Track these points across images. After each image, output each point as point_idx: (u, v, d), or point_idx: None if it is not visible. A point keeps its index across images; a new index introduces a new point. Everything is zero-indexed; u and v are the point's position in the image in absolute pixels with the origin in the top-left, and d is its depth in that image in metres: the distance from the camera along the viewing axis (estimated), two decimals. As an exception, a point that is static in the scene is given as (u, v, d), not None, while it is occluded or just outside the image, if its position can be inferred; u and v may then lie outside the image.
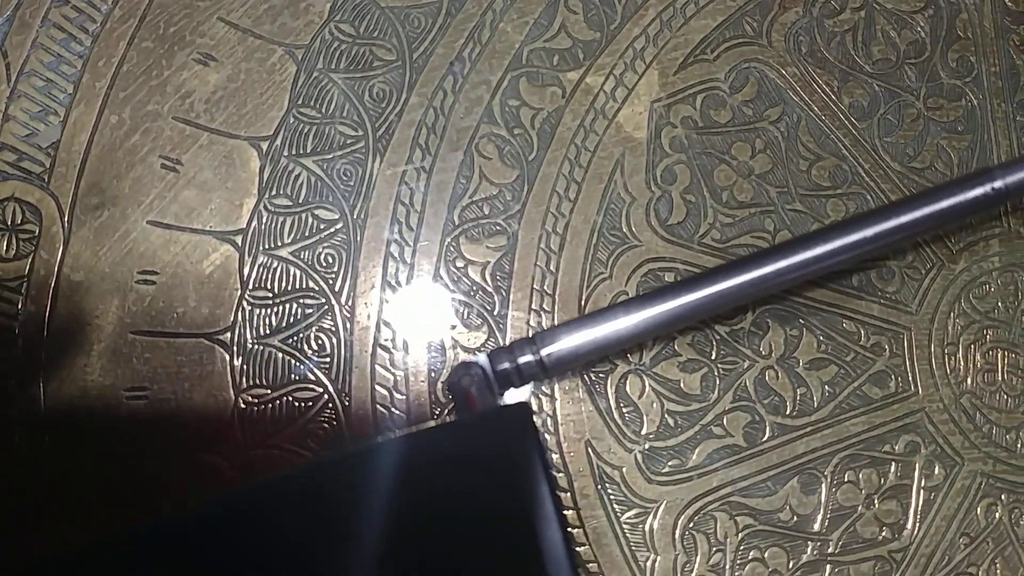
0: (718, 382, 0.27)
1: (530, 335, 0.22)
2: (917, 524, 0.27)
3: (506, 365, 0.20)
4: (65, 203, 0.26)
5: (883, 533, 0.27)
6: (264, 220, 0.27)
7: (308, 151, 0.27)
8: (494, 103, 0.28)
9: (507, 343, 0.26)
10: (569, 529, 0.18)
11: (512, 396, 0.25)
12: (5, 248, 0.26)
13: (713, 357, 0.27)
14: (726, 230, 0.28)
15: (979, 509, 0.27)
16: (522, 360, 0.20)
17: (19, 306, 0.26)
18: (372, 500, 0.18)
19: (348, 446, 0.24)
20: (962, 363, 0.28)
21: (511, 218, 0.27)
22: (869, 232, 0.25)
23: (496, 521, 0.18)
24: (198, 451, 0.25)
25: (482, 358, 0.20)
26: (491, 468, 0.18)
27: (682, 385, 0.27)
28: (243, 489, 0.19)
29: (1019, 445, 0.28)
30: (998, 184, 0.24)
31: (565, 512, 0.19)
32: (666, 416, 0.27)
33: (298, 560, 0.18)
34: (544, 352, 0.20)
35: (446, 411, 0.25)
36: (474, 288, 0.27)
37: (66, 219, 0.26)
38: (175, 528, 0.19)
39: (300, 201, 0.27)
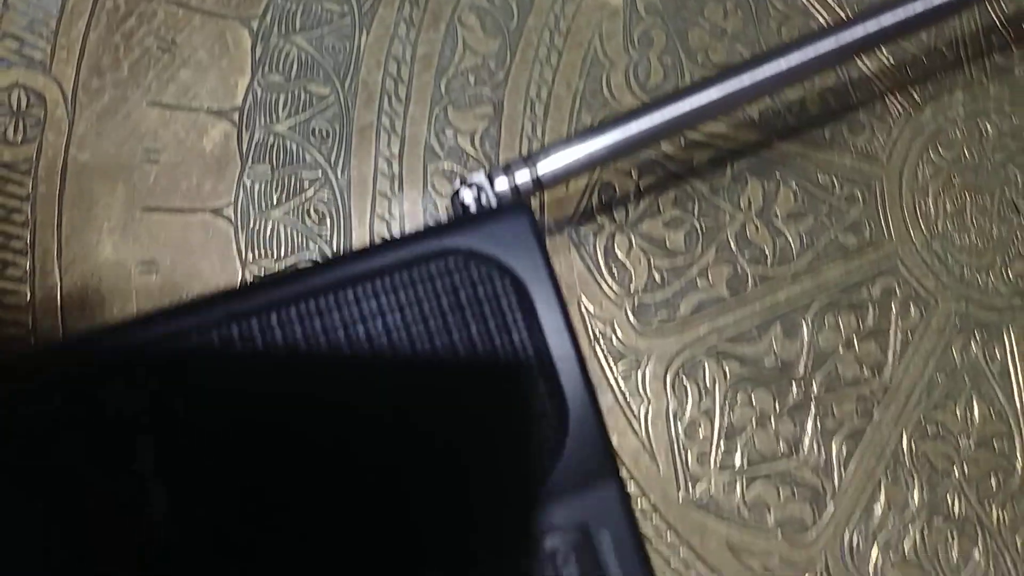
0: (701, 237, 0.28)
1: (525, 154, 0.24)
2: (896, 363, 0.28)
3: (504, 185, 0.21)
4: (68, 88, 0.27)
5: (864, 373, 0.28)
6: (259, 97, 0.28)
7: (297, 28, 0.28)
8: (476, -20, 0.29)
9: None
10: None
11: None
12: (12, 133, 0.27)
13: (695, 213, 0.28)
14: (704, 91, 0.29)
15: (954, 347, 0.28)
16: (519, 178, 0.21)
17: (30, 188, 0.27)
18: (369, 300, 0.19)
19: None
20: (932, 209, 0.29)
21: (496, 87, 0.28)
22: (844, 35, 0.23)
23: (499, 320, 0.19)
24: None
25: (479, 176, 0.22)
26: (494, 264, 0.19)
27: (667, 242, 0.28)
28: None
29: (990, 285, 0.29)
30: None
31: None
32: (653, 271, 0.28)
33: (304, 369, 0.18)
34: (540, 167, 0.21)
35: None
36: (463, 156, 0.28)
37: (69, 103, 0.27)
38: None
39: (292, 77, 0.28)
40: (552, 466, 0.19)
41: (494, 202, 0.21)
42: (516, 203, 0.20)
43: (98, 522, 0.17)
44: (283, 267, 0.27)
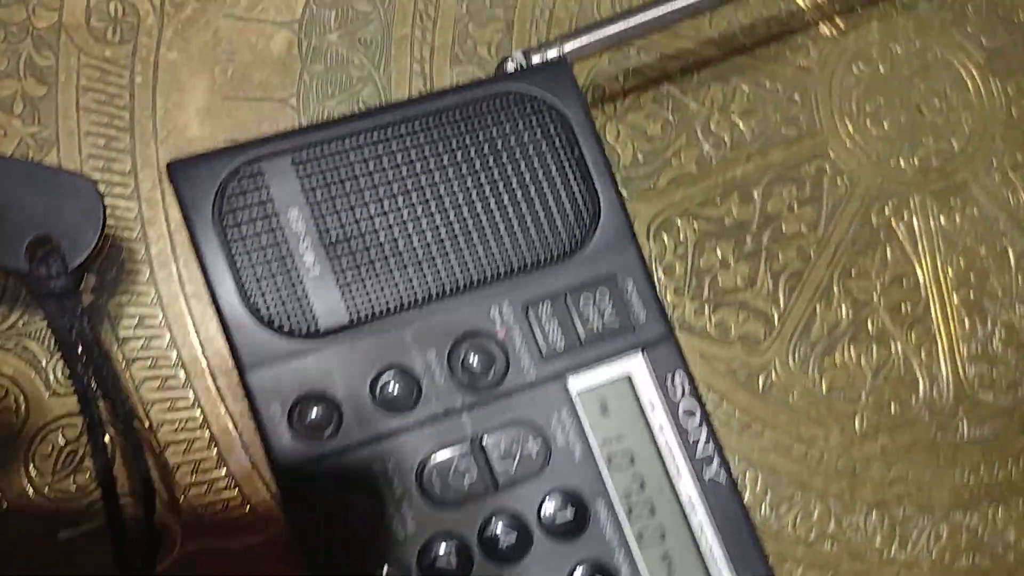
0: (673, 127, 0.35)
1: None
2: (827, 223, 0.36)
3: (539, 59, 0.28)
4: (156, 1, 0.33)
5: (802, 230, 0.35)
6: (314, 11, 0.34)
7: (349, -44, 0.35)
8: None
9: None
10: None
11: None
12: (111, 34, 0.33)
13: (669, 109, 0.35)
14: None
15: (872, 211, 0.36)
16: (550, 52, 0.28)
17: (127, 79, 0.32)
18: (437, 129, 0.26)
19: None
20: (855, 108, 0.37)
21: (508, 8, 0.35)
22: None
23: (548, 141, 0.26)
24: (280, 180, 0.32)
25: (518, 53, 0.28)
26: (541, 101, 0.26)
27: (647, 131, 0.35)
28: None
29: (900, 165, 0.37)
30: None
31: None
32: (637, 153, 0.35)
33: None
34: (567, 45, 0.28)
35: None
36: (482, 61, 0.35)
37: (158, 13, 0.33)
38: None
39: (344, -5, 0.34)
40: (590, 237, 0.26)
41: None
42: (557, 60, 0.27)
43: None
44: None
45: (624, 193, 0.34)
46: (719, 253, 0.35)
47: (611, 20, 0.29)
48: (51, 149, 0.31)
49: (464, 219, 0.25)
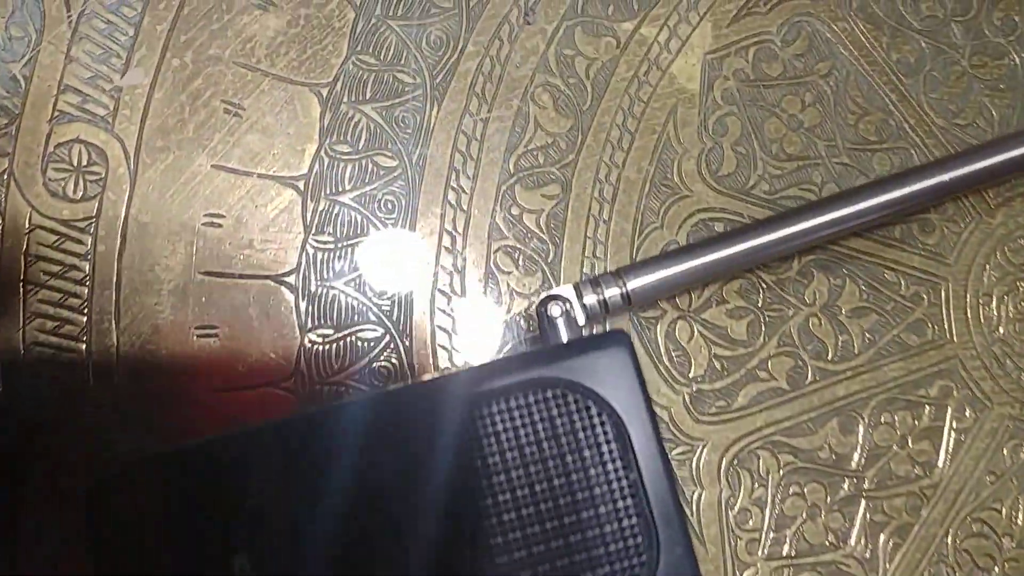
0: (763, 328, 0.28)
1: (614, 270, 0.23)
2: (947, 463, 0.28)
3: (593, 298, 0.21)
4: (130, 145, 0.27)
5: (915, 471, 0.28)
6: (325, 166, 0.27)
7: (367, 98, 0.27)
8: (549, 52, 0.28)
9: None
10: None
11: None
12: (73, 189, 0.26)
13: (759, 305, 0.28)
14: (775, 182, 0.28)
15: (1005, 450, 0.29)
16: (608, 293, 0.21)
17: (89, 246, 0.26)
18: (458, 427, 0.19)
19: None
20: (995, 313, 0.29)
21: (565, 167, 0.28)
22: (913, 188, 0.26)
23: (595, 453, 0.19)
24: (267, 385, 0.26)
25: (567, 289, 0.21)
26: (592, 395, 0.19)
27: (729, 331, 0.28)
28: (314, 411, 0.20)
29: (1046, 390, 0.29)
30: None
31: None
32: (713, 360, 0.28)
33: (369, 484, 0.19)
34: (630, 285, 0.21)
35: (522, 340, 0.26)
36: (528, 235, 0.28)
37: (132, 161, 0.27)
38: (248, 439, 0.20)
39: (360, 148, 0.27)
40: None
41: (581, 319, 0.21)
42: (616, 332, 0.20)
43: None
44: (342, 336, 0.27)
45: (693, 411, 0.28)
46: (808, 496, 0.28)
47: (712, 243, 0.22)
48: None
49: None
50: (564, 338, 0.20)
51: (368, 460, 0.19)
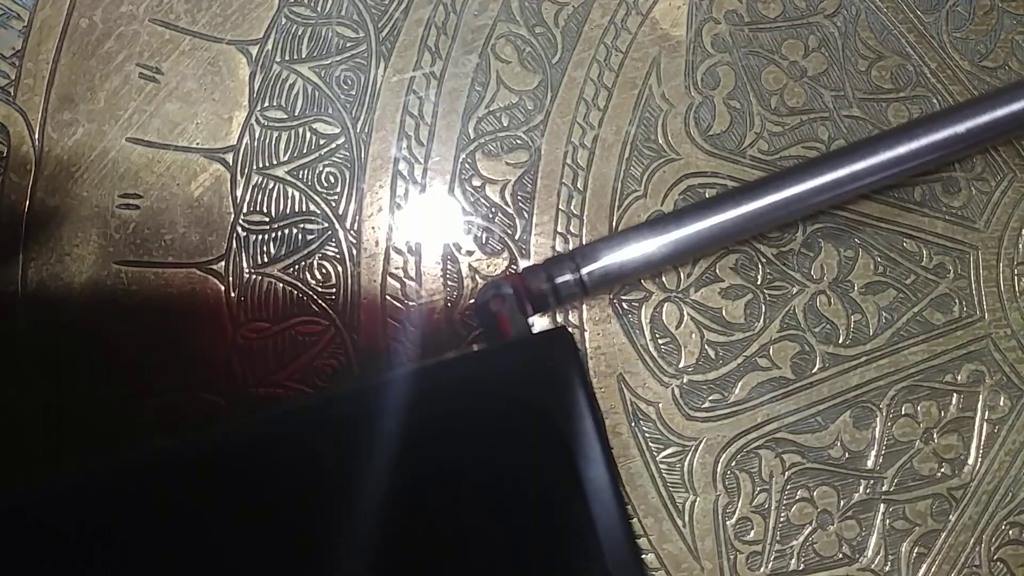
0: (764, 309, 0.25)
1: (568, 251, 0.20)
2: (979, 459, 0.25)
3: (543, 285, 0.18)
4: (34, 119, 0.24)
5: (942, 469, 0.25)
6: (256, 135, 0.24)
7: (303, 56, 0.24)
8: (512, -1, 0.25)
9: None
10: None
11: (541, 322, 0.23)
12: (-30, 169, 0.23)
13: (759, 282, 0.25)
14: (774, 140, 0.25)
15: (1047, 444, 0.25)
16: (560, 279, 0.18)
17: (-11, 235, 0.23)
18: (394, 436, 0.16)
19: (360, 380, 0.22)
20: (1035, 284, 0.25)
21: (533, 130, 0.24)
22: (935, 138, 0.22)
23: (534, 457, 0.16)
24: (193, 390, 0.23)
25: (507, 288, 0.18)
26: (529, 400, 0.15)
27: (724, 313, 0.25)
28: (241, 422, 0.17)
29: (1094, 373, 0.25)
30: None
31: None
32: (706, 347, 0.25)
33: (306, 501, 0.16)
34: (585, 270, 0.18)
35: (469, 340, 0.23)
36: (493, 210, 0.24)
37: (36, 137, 0.24)
38: (167, 462, 0.17)
39: (296, 114, 0.24)
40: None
41: (529, 311, 0.18)
42: (558, 333, 0.17)
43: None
44: (280, 330, 0.24)
45: (683, 406, 0.24)
46: (817, 501, 0.24)
47: (679, 217, 0.19)
48: None
49: None
50: (509, 335, 0.17)
51: (283, 485, 0.16)
